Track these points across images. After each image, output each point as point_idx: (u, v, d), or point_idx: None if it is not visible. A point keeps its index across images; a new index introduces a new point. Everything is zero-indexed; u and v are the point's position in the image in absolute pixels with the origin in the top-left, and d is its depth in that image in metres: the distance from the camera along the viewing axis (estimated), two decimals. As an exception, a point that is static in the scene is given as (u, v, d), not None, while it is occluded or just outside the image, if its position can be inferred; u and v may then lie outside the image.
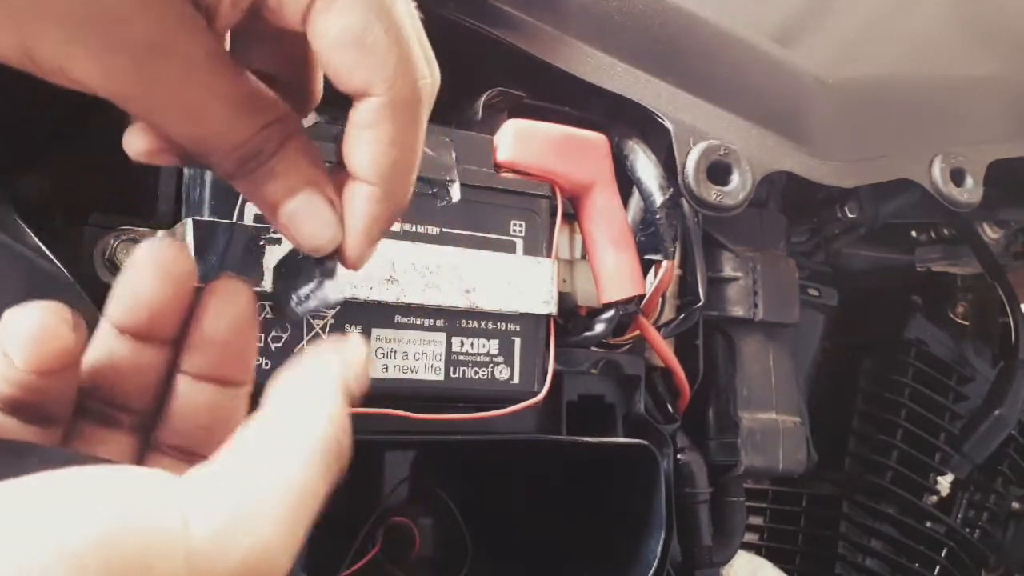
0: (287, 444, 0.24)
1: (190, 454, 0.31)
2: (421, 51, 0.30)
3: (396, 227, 0.53)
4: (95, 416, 0.30)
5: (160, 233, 0.49)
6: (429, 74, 0.30)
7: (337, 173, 0.31)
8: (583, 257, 0.62)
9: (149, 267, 0.29)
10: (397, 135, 0.30)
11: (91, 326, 0.29)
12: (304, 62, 0.34)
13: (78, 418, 0.30)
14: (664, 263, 0.61)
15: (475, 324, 0.55)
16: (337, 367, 0.27)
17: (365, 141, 0.30)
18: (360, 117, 0.30)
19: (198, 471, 0.23)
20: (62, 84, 0.27)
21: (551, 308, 0.56)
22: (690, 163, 0.60)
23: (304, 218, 0.31)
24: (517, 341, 0.56)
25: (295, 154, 0.31)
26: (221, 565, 0.21)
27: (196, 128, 0.29)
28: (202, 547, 0.21)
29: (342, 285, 0.33)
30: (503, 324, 0.55)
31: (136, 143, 0.30)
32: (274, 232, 0.48)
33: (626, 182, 0.62)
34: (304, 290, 0.33)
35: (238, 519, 0.22)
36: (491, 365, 0.55)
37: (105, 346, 0.30)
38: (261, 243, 0.48)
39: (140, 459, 0.31)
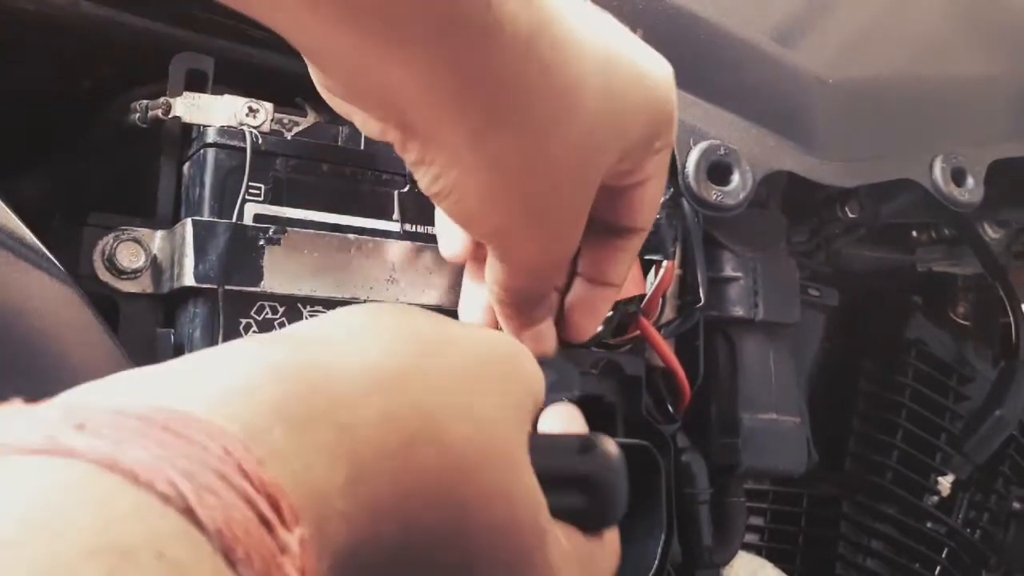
0: None
1: None
2: None
3: (396, 227, 0.53)
4: None
5: (160, 233, 0.49)
6: None
7: None
8: (583, 257, 0.62)
9: None
10: None
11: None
12: None
13: None
14: (664, 263, 0.61)
15: (475, 324, 0.54)
16: None
17: None
18: None
19: None
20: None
21: (551, 308, 0.56)
22: (690, 163, 0.60)
23: None
24: (517, 341, 0.56)
25: None
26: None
27: None
28: None
29: None
30: (503, 324, 0.55)
31: None
32: (273, 232, 0.48)
33: (626, 182, 0.62)
34: None
35: None
36: (491, 365, 0.55)
37: None
38: (261, 243, 0.48)
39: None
